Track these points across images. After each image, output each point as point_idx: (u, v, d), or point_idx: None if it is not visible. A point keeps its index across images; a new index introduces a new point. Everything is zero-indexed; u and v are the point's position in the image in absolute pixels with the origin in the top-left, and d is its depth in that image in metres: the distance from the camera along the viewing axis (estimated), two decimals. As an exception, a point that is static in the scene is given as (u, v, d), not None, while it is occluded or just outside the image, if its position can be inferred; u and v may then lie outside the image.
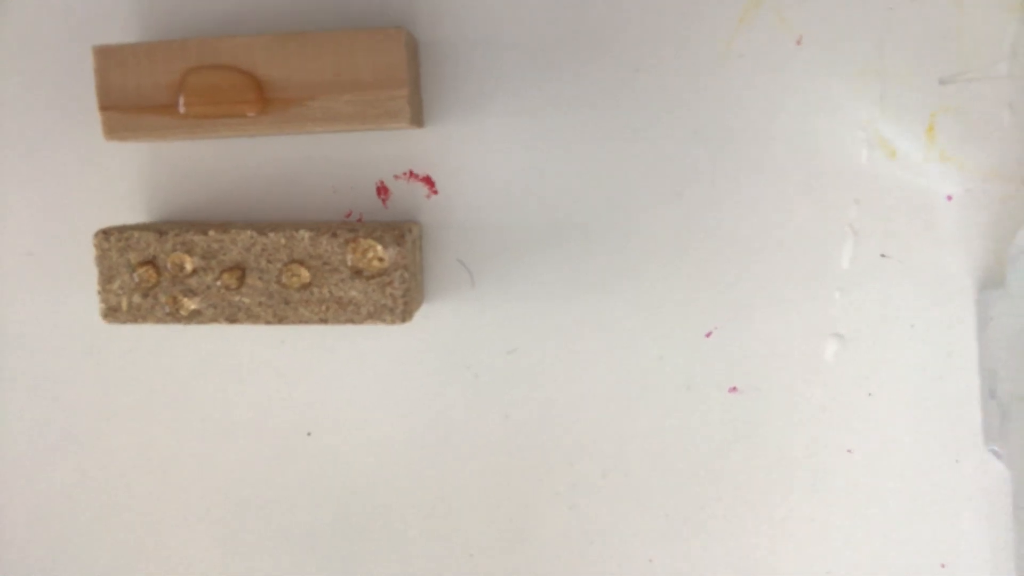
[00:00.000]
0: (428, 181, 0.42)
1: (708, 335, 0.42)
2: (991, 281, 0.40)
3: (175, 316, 0.40)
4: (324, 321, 0.39)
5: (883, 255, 0.41)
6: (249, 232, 0.39)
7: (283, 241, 0.39)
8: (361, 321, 0.39)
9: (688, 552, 0.43)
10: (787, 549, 0.42)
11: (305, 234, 0.39)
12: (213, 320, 0.40)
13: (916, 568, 0.42)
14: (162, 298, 0.40)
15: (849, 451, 0.42)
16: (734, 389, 0.42)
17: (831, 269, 0.41)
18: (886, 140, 0.40)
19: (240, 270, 0.39)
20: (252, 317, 0.40)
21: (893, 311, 0.41)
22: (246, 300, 0.39)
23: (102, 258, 0.40)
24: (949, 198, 0.40)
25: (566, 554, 0.44)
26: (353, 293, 0.39)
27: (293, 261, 0.39)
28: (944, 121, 0.40)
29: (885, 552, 0.42)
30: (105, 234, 0.40)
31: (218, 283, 0.39)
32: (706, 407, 0.42)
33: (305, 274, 0.39)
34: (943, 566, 0.41)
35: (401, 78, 0.38)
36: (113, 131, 0.40)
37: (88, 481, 0.46)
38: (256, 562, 0.46)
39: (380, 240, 0.39)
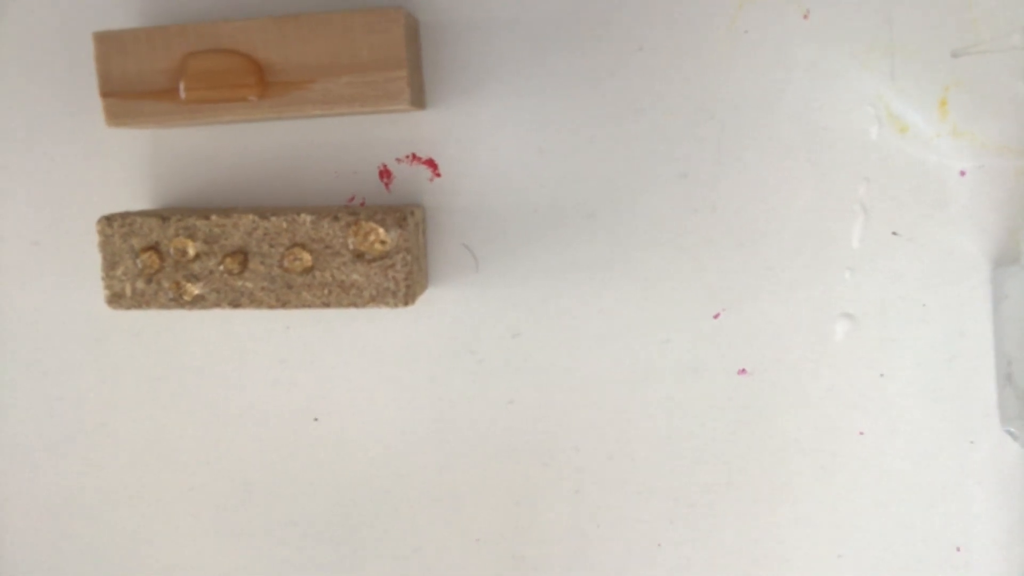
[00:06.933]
0: (431, 164, 0.42)
1: (716, 317, 0.41)
2: (1005, 258, 0.39)
3: (179, 301, 0.40)
4: (327, 305, 0.39)
5: (894, 233, 0.40)
6: (251, 216, 0.39)
7: (285, 225, 0.39)
8: (364, 304, 0.39)
9: (696, 536, 0.43)
10: (797, 533, 0.42)
11: (307, 218, 0.39)
12: (216, 305, 0.40)
13: (930, 552, 0.41)
14: (165, 283, 0.40)
15: (861, 433, 0.41)
16: (743, 371, 0.41)
17: (841, 248, 0.40)
18: (896, 115, 0.39)
19: (242, 254, 0.39)
20: (255, 302, 0.40)
21: (904, 290, 0.40)
22: (249, 285, 0.39)
23: (105, 244, 0.40)
24: (962, 174, 0.39)
25: (572, 539, 0.43)
26: (355, 276, 0.39)
27: (295, 245, 0.39)
28: (957, 95, 0.39)
29: (898, 536, 0.41)
30: (108, 220, 0.40)
31: (220, 268, 0.39)
32: (714, 390, 0.42)
33: (307, 258, 0.39)
34: (958, 549, 0.41)
35: (400, 59, 0.38)
36: (115, 117, 0.40)
37: (95, 468, 0.46)
38: (262, 547, 0.46)
39: (382, 223, 0.38)
